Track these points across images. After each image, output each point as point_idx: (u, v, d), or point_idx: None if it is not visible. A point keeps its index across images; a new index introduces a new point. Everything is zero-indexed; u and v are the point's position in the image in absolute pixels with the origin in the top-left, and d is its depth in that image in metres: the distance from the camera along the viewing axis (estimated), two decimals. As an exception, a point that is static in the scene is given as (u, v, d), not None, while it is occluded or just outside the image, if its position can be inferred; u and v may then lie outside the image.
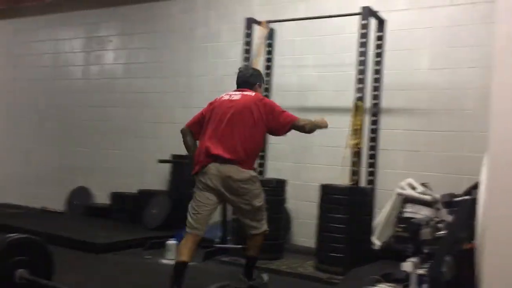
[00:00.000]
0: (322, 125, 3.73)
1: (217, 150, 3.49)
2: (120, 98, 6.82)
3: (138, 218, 5.81)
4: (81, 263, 4.44)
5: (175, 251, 4.59)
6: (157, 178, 6.23)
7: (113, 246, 4.87)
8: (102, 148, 6.88)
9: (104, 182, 6.72)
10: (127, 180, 6.50)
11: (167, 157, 5.96)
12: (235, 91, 3.76)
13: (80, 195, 6.84)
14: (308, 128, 3.63)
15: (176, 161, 5.90)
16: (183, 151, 5.92)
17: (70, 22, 7.38)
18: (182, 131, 3.83)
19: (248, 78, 3.77)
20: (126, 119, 6.73)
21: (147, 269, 4.37)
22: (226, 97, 3.71)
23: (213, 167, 3.50)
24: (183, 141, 3.85)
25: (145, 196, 5.94)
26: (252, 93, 3.66)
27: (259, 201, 3.63)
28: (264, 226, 3.69)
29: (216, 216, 5.29)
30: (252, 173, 3.61)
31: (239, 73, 3.88)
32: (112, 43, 7.02)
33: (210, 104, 3.78)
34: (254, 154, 3.66)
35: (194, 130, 3.79)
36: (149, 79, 6.61)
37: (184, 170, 5.82)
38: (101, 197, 6.68)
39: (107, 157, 6.82)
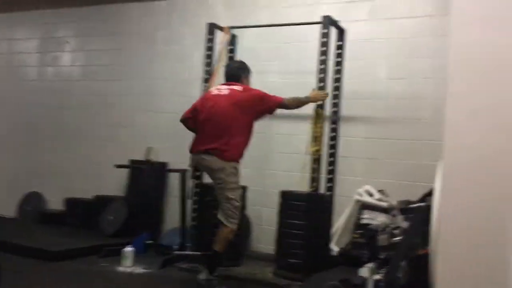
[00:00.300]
0: (313, 100, 4.26)
1: (201, 145, 3.95)
2: (77, 101, 6.64)
3: (94, 225, 5.65)
4: (33, 271, 4.27)
5: (132, 258, 4.50)
6: (114, 183, 6.09)
7: (67, 254, 4.71)
8: (57, 152, 6.68)
9: (59, 187, 6.51)
10: (83, 185, 6.32)
11: (125, 162, 5.85)
12: (223, 84, 4.12)
13: (32, 200, 6.59)
14: (293, 107, 4.16)
15: (134, 166, 5.79)
16: (142, 155, 5.91)
17: (26, 21, 7.15)
18: (182, 121, 4.25)
19: (235, 72, 4.15)
20: (83, 122, 6.56)
21: (103, 277, 4.25)
22: (215, 92, 4.06)
23: (197, 157, 4.03)
24: (187, 128, 4.25)
25: (101, 201, 5.79)
26: (239, 87, 4.01)
27: (233, 194, 3.88)
28: (234, 225, 3.89)
29: (175, 222, 5.25)
30: (232, 164, 3.88)
31: (226, 67, 4.28)
32: (70, 44, 6.84)
33: (201, 98, 4.17)
34: (240, 145, 3.93)
35: (189, 121, 4.18)
36: (108, 81, 6.47)
37: (142, 175, 5.73)
38: (55, 203, 6.45)
39: (62, 161, 6.62)
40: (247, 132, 3.99)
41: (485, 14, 3.13)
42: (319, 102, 4.39)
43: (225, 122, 3.87)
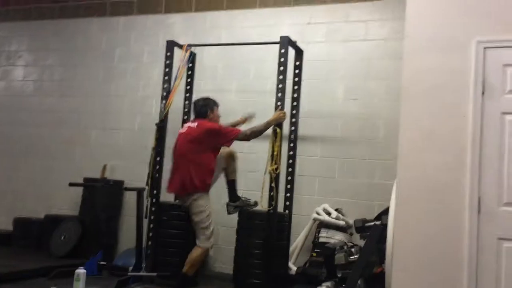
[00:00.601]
0: (275, 122, 4.33)
1: (171, 183, 4.33)
2: (29, 117, 6.41)
3: (44, 246, 5.42)
4: (-24, 296, 4.04)
5: (84, 280, 4.33)
6: (67, 202, 5.89)
7: (14, 276, 4.47)
8: (6, 170, 6.40)
9: (7, 206, 6.23)
10: (33, 204, 6.08)
11: (79, 180, 5.67)
12: (192, 121, 4.47)
13: (-22, 220, 6.27)
14: (252, 138, 4.33)
15: (88, 184, 5.63)
16: (97, 174, 5.75)
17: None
18: None
19: (199, 109, 4.40)
20: (35, 139, 6.33)
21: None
22: (183, 128, 4.45)
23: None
24: None
25: (52, 221, 5.56)
26: (196, 123, 4.29)
27: (198, 218, 4.16)
28: (202, 244, 4.13)
29: (131, 243, 5.11)
30: (192, 195, 4.16)
31: (193, 105, 4.55)
32: (23, 59, 6.64)
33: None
34: (197, 177, 4.16)
35: None
36: (63, 97, 6.30)
37: (97, 194, 5.56)
38: (3, 223, 6.15)
39: (12, 179, 6.35)
40: (205, 164, 4.21)
41: (437, 39, 3.27)
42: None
43: (182, 159, 4.23)
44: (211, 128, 4.25)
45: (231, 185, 4.52)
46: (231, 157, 4.48)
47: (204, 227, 4.14)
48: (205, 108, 4.39)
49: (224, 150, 4.43)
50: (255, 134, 4.31)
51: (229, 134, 4.25)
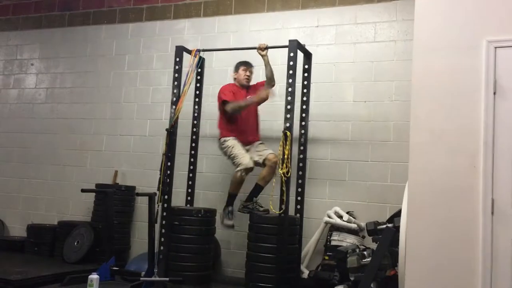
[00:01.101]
0: (258, 99, 4.70)
1: None
2: (41, 124, 6.48)
3: (57, 252, 5.47)
4: (-9, 302, 4.08)
5: (97, 286, 4.35)
6: (80, 208, 5.94)
7: (28, 283, 4.51)
8: (19, 177, 6.47)
9: (21, 213, 6.30)
10: (46, 211, 6.14)
11: (92, 186, 5.71)
12: None
13: (-8, 227, 6.34)
14: (231, 111, 4.68)
15: (101, 190, 5.66)
16: (109, 179, 5.79)
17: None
18: None
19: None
20: (47, 146, 6.39)
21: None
22: None
23: None
24: None
25: (65, 227, 5.60)
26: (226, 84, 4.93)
27: (226, 156, 4.78)
28: (237, 169, 4.63)
29: (143, 248, 5.13)
30: (221, 140, 4.79)
31: None
32: (35, 67, 6.72)
33: None
34: (221, 127, 4.83)
35: None
36: (74, 104, 6.36)
37: (109, 200, 5.60)
38: (17, 230, 6.24)
39: (25, 186, 6.42)
40: (223, 117, 4.81)
41: (446, 40, 3.25)
42: (287, 124, 4.42)
43: (218, 111, 4.87)
44: (222, 88, 4.85)
45: (255, 188, 4.67)
46: (270, 164, 4.61)
47: (231, 158, 4.71)
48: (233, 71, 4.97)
49: (270, 154, 4.66)
50: (235, 109, 4.67)
51: (222, 96, 4.74)
